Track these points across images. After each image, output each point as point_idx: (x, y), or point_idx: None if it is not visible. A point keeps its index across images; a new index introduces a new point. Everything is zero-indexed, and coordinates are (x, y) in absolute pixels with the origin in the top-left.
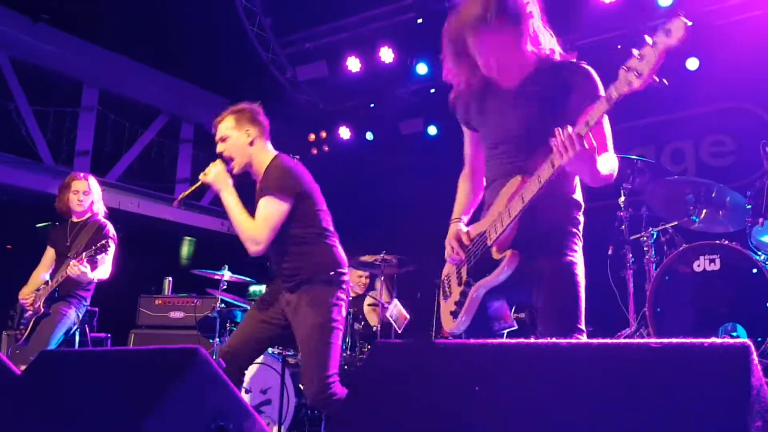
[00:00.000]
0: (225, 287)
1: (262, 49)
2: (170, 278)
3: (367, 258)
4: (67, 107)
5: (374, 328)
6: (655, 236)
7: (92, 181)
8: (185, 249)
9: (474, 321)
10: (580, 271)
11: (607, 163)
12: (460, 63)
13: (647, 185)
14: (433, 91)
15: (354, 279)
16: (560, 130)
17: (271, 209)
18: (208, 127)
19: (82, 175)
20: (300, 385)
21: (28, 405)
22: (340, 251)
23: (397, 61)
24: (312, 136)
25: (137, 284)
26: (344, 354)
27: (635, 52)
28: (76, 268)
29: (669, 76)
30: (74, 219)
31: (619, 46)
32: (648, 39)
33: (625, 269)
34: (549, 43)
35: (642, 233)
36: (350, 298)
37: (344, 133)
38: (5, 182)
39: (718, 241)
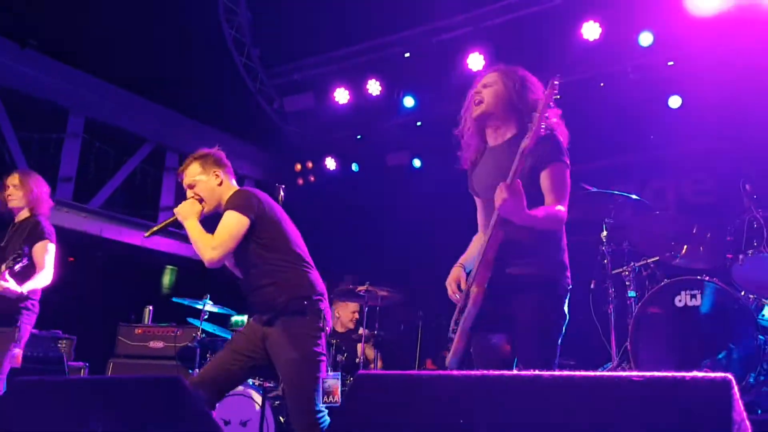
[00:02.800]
0: (206, 317)
1: (250, 79)
2: (151, 307)
3: (351, 287)
4: (52, 134)
5: (357, 360)
6: (636, 271)
7: (25, 173)
8: (167, 278)
9: (470, 354)
10: (549, 308)
11: (544, 213)
12: (478, 139)
13: (629, 220)
14: (419, 124)
15: (347, 314)
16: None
17: (228, 220)
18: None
19: (16, 170)
20: (280, 417)
21: None
22: (316, 278)
23: (384, 94)
24: (298, 167)
25: (117, 312)
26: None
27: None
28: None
29: (652, 115)
30: (16, 219)
31: (602, 84)
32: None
33: (607, 303)
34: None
35: (624, 268)
36: (340, 332)
37: (330, 164)
38: None
39: (699, 277)
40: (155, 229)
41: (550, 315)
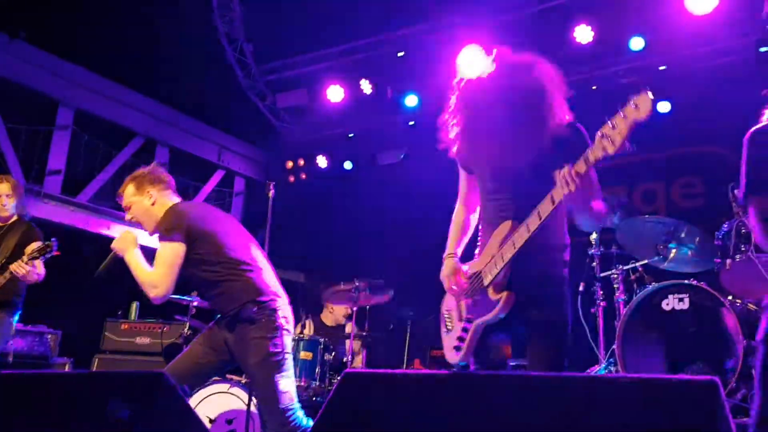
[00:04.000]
0: (194, 313)
1: (243, 75)
2: (138, 303)
3: (341, 287)
4: (42, 126)
5: (344, 359)
6: (625, 274)
7: (12, 181)
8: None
9: (475, 352)
10: (569, 319)
11: (597, 205)
12: (464, 115)
13: (618, 224)
14: (412, 123)
15: (341, 310)
16: (566, 167)
17: (163, 251)
18: (184, 150)
19: (2, 178)
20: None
21: None
22: (261, 279)
23: (377, 92)
24: (290, 164)
25: (103, 308)
26: (314, 384)
27: (609, 123)
28: (22, 268)
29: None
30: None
31: (594, 87)
32: (620, 110)
33: (596, 306)
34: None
35: (612, 271)
36: (330, 327)
37: (321, 161)
38: None
39: (687, 281)
40: (103, 267)
41: (569, 311)
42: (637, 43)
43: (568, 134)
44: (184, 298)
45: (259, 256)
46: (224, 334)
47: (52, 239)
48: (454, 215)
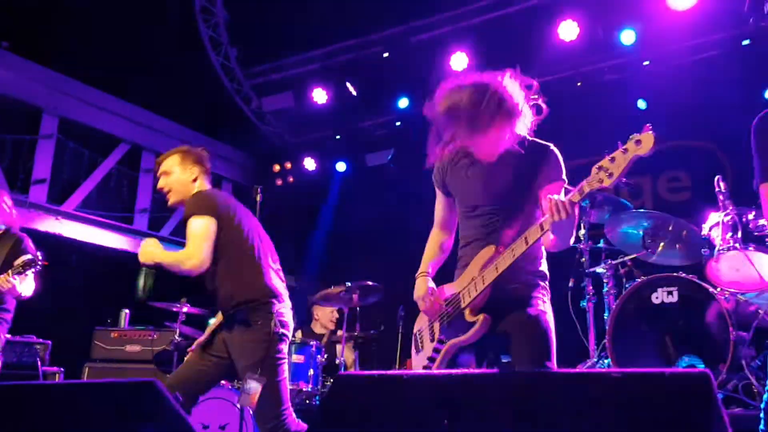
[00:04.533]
0: (184, 320)
1: (227, 79)
2: (127, 310)
3: (331, 290)
4: (26, 135)
5: (337, 362)
6: (614, 269)
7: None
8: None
9: None
10: (549, 318)
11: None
12: (441, 138)
13: (606, 219)
14: (399, 124)
15: (325, 315)
16: (553, 196)
17: (195, 226)
18: None
19: None
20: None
21: None
22: (269, 280)
23: (363, 94)
24: (276, 167)
25: (92, 316)
26: (307, 388)
27: (607, 157)
28: (7, 281)
29: (628, 112)
30: None
31: (579, 83)
32: (621, 145)
33: (585, 301)
34: (527, 125)
35: (601, 266)
36: (319, 334)
37: (309, 164)
38: None
39: (675, 274)
40: (142, 293)
41: (548, 325)
42: (627, 38)
43: (541, 155)
44: (174, 304)
45: (271, 257)
46: (223, 334)
47: (38, 252)
48: (430, 238)
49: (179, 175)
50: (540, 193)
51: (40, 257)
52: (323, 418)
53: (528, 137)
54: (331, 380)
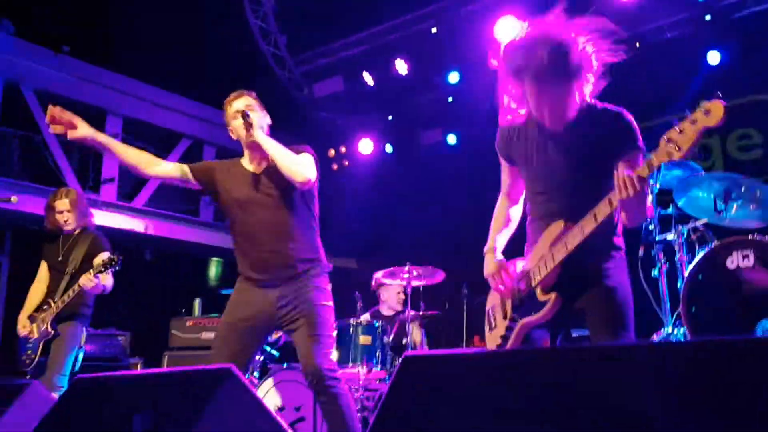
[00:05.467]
0: None
1: (278, 68)
2: (200, 299)
3: (392, 270)
4: None
5: (404, 341)
6: (685, 234)
7: (72, 195)
8: (213, 270)
9: None
10: (627, 289)
11: (650, 209)
12: (508, 101)
13: (675, 183)
14: (450, 100)
15: (392, 296)
16: (623, 170)
17: (308, 158)
18: (231, 148)
19: (62, 192)
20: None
21: None
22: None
23: (413, 71)
24: (332, 152)
25: (168, 307)
26: (375, 368)
27: (675, 126)
28: (90, 281)
29: (694, 71)
30: (65, 233)
31: (637, 44)
32: (688, 115)
33: (657, 269)
34: (595, 87)
35: (672, 232)
36: (387, 315)
37: (363, 146)
38: (36, 212)
39: (750, 236)
40: (247, 122)
41: (627, 296)
42: None
43: (614, 122)
44: None
45: None
46: (270, 292)
47: (116, 254)
48: (496, 207)
49: (260, 118)
50: (616, 164)
51: (116, 257)
52: (393, 400)
53: (598, 103)
54: (399, 360)
